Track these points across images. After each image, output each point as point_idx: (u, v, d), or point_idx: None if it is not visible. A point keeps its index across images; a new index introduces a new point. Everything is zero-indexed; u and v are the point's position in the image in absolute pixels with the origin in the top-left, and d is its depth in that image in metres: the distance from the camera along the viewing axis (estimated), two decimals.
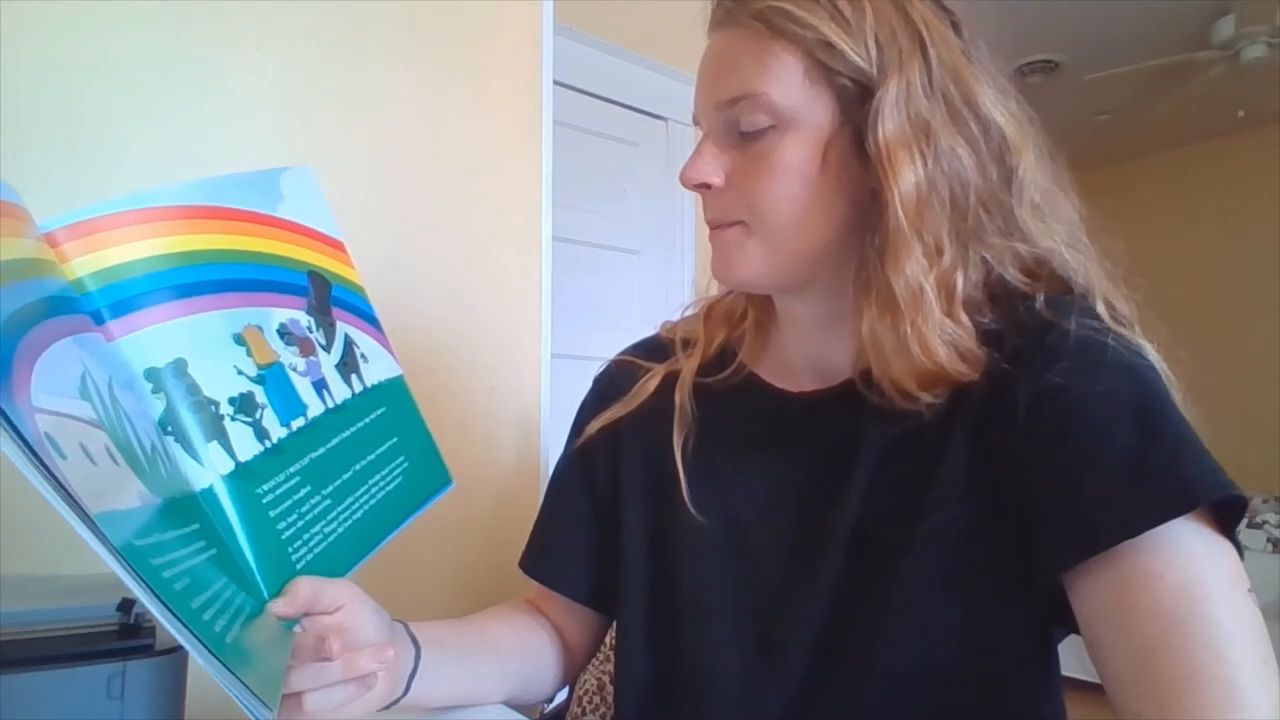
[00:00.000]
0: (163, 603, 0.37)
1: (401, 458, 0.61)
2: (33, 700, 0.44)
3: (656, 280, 1.88)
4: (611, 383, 0.74)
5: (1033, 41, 3.37)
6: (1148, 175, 4.76)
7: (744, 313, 0.70)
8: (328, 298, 0.59)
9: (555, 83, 1.34)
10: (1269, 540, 3.03)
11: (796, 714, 0.58)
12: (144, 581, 0.36)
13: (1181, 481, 0.47)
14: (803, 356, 0.65)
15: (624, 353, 0.77)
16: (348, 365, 0.59)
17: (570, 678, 0.78)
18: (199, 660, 0.38)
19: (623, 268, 1.84)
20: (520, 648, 0.71)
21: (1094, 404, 0.50)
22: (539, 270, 1.29)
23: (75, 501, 0.33)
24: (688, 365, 0.69)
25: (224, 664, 0.39)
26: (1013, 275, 0.57)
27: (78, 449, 0.36)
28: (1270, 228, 4.14)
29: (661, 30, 1.75)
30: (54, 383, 0.37)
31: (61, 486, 0.33)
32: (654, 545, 0.68)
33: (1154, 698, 0.43)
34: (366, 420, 0.59)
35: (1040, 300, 0.55)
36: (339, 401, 0.57)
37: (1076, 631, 0.52)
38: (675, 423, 0.66)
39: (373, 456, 0.58)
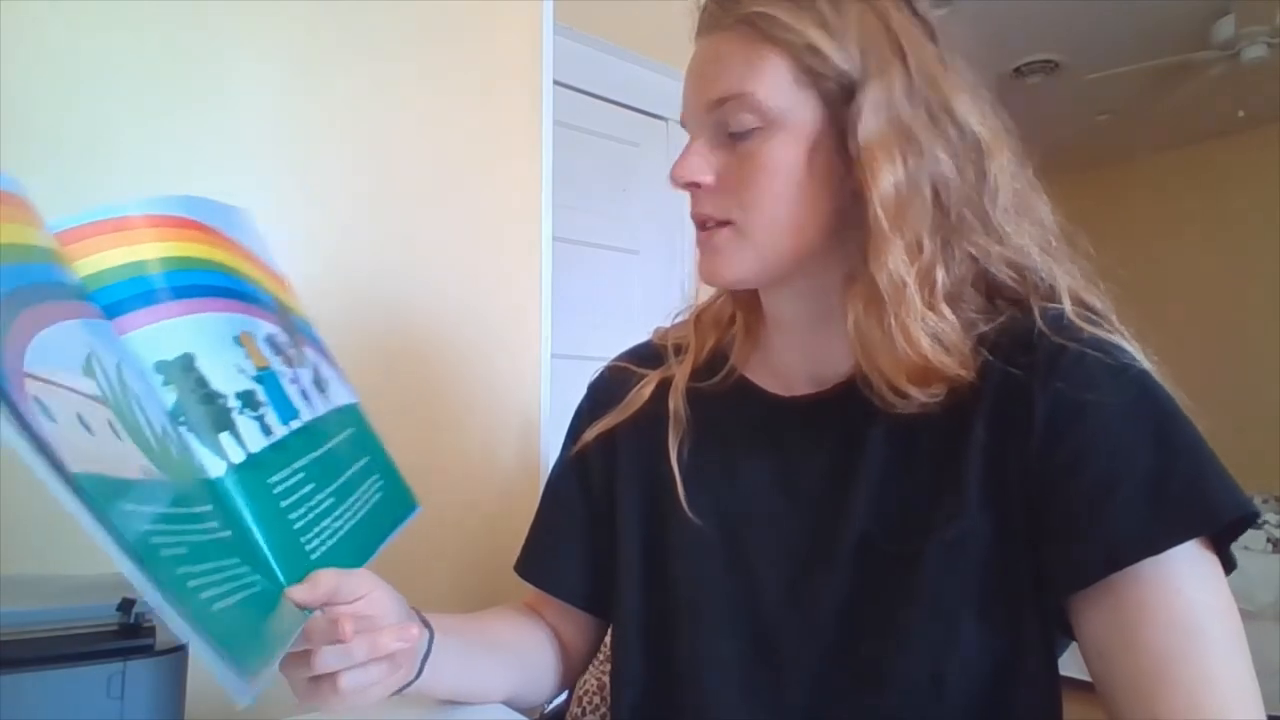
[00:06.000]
0: (124, 551, 0.36)
1: (375, 476, 0.62)
2: (33, 700, 0.44)
3: (656, 280, 1.88)
4: (606, 389, 0.75)
5: (1033, 41, 3.36)
6: (1148, 175, 4.75)
7: (732, 317, 0.71)
8: (291, 322, 0.60)
9: (555, 83, 1.34)
10: (1269, 540, 3.03)
11: None
12: (104, 528, 0.35)
13: (1203, 501, 0.48)
14: (795, 360, 0.65)
15: (618, 359, 0.78)
16: (318, 384, 0.59)
17: (569, 681, 0.78)
18: (168, 622, 0.37)
19: (623, 268, 1.83)
20: (521, 647, 0.72)
21: (1111, 421, 0.51)
22: (539, 270, 1.29)
23: (51, 456, 0.34)
24: (680, 372, 0.69)
25: (193, 626, 0.38)
26: (1001, 272, 0.58)
27: (73, 417, 0.37)
28: (1270, 227, 4.13)
29: (661, 30, 1.74)
30: (54, 357, 0.38)
31: (36, 441, 0.33)
32: (650, 549, 0.68)
33: (1168, 704, 0.46)
34: (344, 435, 0.60)
35: (1048, 310, 0.55)
36: (321, 414, 0.58)
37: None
38: (670, 428, 0.66)
39: (359, 466, 0.60)
